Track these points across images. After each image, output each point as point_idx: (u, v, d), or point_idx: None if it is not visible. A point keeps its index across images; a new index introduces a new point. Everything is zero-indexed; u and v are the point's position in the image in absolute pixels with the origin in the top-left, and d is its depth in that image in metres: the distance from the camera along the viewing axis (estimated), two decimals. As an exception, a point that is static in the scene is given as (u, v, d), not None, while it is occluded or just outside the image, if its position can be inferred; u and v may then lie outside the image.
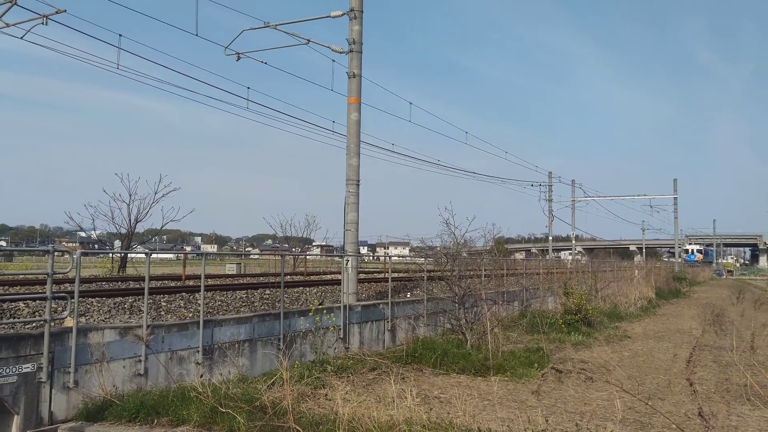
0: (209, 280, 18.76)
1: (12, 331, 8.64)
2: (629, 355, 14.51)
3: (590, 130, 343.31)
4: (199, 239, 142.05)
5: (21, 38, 15.51)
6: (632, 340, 17.24)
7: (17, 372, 7.67)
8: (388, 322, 14.86)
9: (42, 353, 7.89)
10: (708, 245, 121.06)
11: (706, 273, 77.57)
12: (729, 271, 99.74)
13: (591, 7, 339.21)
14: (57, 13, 14.92)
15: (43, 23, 15.04)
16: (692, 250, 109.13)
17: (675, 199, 62.59)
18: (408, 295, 17.53)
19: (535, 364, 12.22)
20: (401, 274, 20.24)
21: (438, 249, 18.01)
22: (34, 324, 9.02)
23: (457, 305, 14.66)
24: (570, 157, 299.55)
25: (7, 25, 15.72)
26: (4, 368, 7.53)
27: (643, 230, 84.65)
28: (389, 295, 15.15)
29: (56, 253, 8.37)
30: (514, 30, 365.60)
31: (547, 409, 9.01)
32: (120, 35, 15.16)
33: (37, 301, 10.50)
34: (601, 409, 9.04)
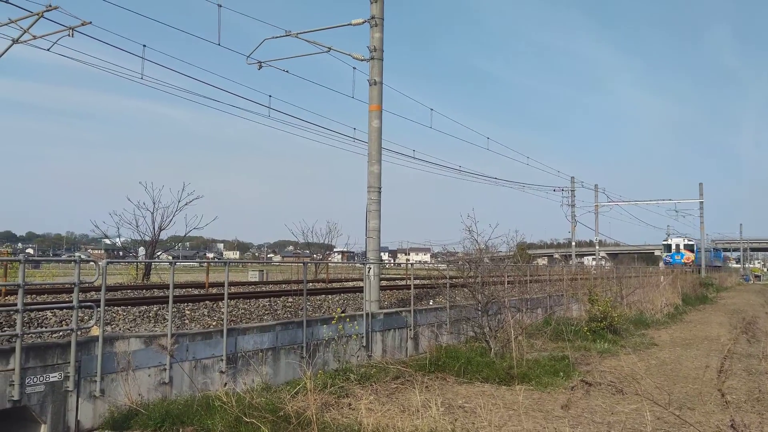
0: (232, 287, 18.85)
1: (39, 340, 8.73)
2: (657, 364, 14.27)
3: (613, 135, 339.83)
4: (221, 246, 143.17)
5: (48, 50, 15.79)
6: (659, 348, 16.96)
7: (44, 381, 7.74)
8: (410, 329, 14.79)
9: (69, 362, 7.96)
10: (715, 241, 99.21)
11: (734, 278, 76.25)
12: (757, 276, 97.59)
13: (614, 13, 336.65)
14: (83, 24, 15.15)
15: (69, 35, 15.27)
16: (677, 246, 72.24)
17: (701, 203, 61.61)
18: (430, 303, 17.43)
19: (561, 373, 12.05)
20: (423, 281, 20.16)
21: (460, 255, 17.91)
22: (60, 333, 9.11)
23: (480, 313, 14.54)
24: (593, 162, 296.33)
25: (34, 38, 16.01)
26: (32, 377, 7.60)
27: (668, 235, 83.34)
28: (411, 303, 15.08)
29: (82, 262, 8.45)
30: (536, 37, 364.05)
31: (574, 419, 8.88)
32: (144, 46, 15.32)
33: (64, 310, 10.62)
34: (629, 420, 8.88)
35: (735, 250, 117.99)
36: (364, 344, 13.19)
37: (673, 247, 71.53)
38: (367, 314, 13.45)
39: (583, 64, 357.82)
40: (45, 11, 15.17)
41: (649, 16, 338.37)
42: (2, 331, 8.95)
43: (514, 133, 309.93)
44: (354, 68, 16.36)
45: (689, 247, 70.61)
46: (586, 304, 21.12)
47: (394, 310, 14.87)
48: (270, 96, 18.32)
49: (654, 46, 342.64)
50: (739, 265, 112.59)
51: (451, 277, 16.99)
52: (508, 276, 19.93)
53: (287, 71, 17.33)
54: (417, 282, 17.26)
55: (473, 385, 11.35)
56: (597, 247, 60.10)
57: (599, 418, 9.03)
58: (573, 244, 55.74)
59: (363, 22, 15.15)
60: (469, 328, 15.43)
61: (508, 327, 13.67)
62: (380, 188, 14.98)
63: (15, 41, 16.01)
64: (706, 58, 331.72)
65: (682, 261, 67.08)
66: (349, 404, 9.05)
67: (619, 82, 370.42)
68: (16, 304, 7.68)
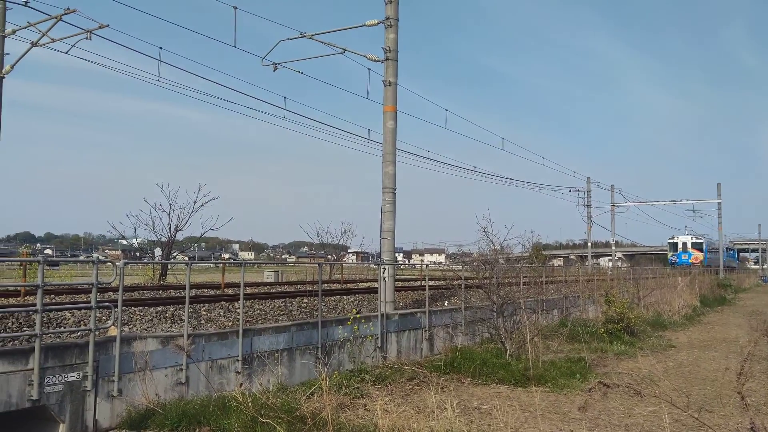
0: (247, 288, 18.92)
1: (58, 340, 8.82)
2: (674, 366, 14.13)
3: (630, 134, 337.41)
4: (236, 246, 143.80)
5: (66, 53, 15.98)
6: (677, 349, 16.80)
7: (63, 381, 7.81)
8: (425, 330, 14.76)
9: (87, 362, 8.03)
10: (733, 242, 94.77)
11: (752, 279, 75.30)
12: None
13: (629, 12, 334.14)
14: (100, 27, 15.32)
15: (87, 38, 15.46)
16: (683, 245, 64.86)
17: (719, 203, 60.94)
18: (445, 304, 17.39)
19: (577, 375, 11.98)
20: (438, 282, 20.13)
21: (475, 256, 17.85)
22: (79, 333, 9.20)
23: (495, 314, 14.48)
24: (609, 162, 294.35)
25: (53, 41, 16.20)
26: (51, 377, 7.68)
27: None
28: (426, 304, 15.05)
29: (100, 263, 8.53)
30: (551, 36, 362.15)
31: (591, 422, 8.81)
32: (161, 48, 15.47)
33: (82, 310, 10.72)
34: (647, 423, 8.80)
35: (753, 250, 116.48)
36: (379, 345, 13.19)
37: (680, 245, 63.98)
38: (382, 315, 13.45)
39: (598, 63, 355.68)
40: (63, 14, 15.36)
41: (665, 14, 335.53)
42: (22, 331, 9.05)
43: (529, 133, 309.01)
44: (368, 69, 16.38)
45: (697, 246, 63.26)
46: (603, 306, 20.97)
47: (409, 311, 14.86)
48: (285, 98, 18.33)
49: (670, 45, 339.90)
50: (757, 266, 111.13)
51: (466, 278, 16.94)
52: (523, 277, 19.83)
53: (302, 72, 17.40)
54: (432, 283, 17.23)
55: (489, 386, 11.30)
56: (613, 248, 59.61)
57: (617, 420, 8.96)
58: (589, 245, 55.34)
59: (377, 23, 15.17)
60: (485, 330, 15.39)
61: (524, 328, 13.60)
62: (395, 189, 14.98)
63: (34, 44, 16.22)
64: (723, 57, 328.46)
65: (690, 261, 59.99)
66: (365, 405, 9.05)
67: (636, 81, 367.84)
68: (35, 305, 7.76)
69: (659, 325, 21.78)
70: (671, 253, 65.02)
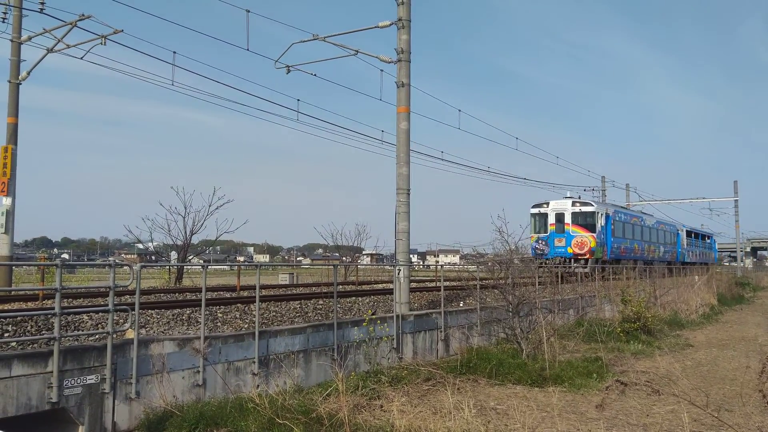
0: (263, 290, 18.97)
1: (76, 343, 8.90)
2: (692, 365, 14.00)
3: (646, 133, 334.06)
4: (251, 249, 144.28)
5: (81, 58, 16.14)
6: (695, 348, 16.64)
7: (82, 383, 7.89)
8: (441, 331, 14.73)
9: (105, 364, 8.10)
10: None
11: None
12: None
13: (645, 9, 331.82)
14: (114, 33, 15.47)
15: (101, 43, 15.61)
16: (556, 216, 31.06)
17: (735, 201, 60.31)
18: (461, 304, 17.35)
19: (594, 375, 11.91)
20: (453, 283, 20.08)
21: (490, 256, 17.78)
22: (97, 336, 9.28)
23: (511, 314, 14.42)
24: (624, 161, 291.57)
25: (68, 46, 16.37)
26: (70, 379, 7.75)
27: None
28: (442, 305, 15.02)
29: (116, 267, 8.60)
30: (565, 35, 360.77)
31: (609, 421, 8.74)
32: (174, 52, 15.59)
33: (100, 313, 10.81)
34: (666, 422, 8.72)
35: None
36: (395, 346, 13.18)
37: (550, 219, 31.25)
38: (398, 316, 13.44)
39: (613, 61, 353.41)
40: (78, 20, 15.52)
41: (681, 11, 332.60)
42: (41, 334, 9.14)
43: (543, 132, 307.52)
44: (381, 70, 16.40)
45: (583, 220, 30.86)
46: (619, 305, 20.81)
47: (424, 311, 14.83)
48: (298, 100, 18.43)
49: (687, 42, 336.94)
50: None
51: (481, 279, 16.89)
52: (539, 277, 19.72)
53: (315, 75, 17.44)
54: (447, 284, 17.19)
55: (505, 386, 11.26)
56: (629, 247, 58.67)
57: (635, 419, 8.89)
58: (604, 244, 54.29)
59: (390, 25, 15.17)
60: (500, 330, 15.32)
61: (540, 328, 13.54)
62: (409, 190, 14.97)
63: (50, 50, 16.39)
64: (741, 53, 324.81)
65: (569, 250, 30.30)
66: (381, 406, 9.04)
67: (651, 79, 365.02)
68: (54, 308, 7.84)
69: (676, 324, 21.59)
70: (535, 235, 31.42)
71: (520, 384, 11.37)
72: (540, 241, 30.92)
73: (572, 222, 30.57)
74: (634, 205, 52.21)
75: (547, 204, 31.52)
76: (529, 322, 14.12)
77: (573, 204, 31.08)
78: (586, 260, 29.56)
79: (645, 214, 41.64)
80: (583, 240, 30.25)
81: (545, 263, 26.20)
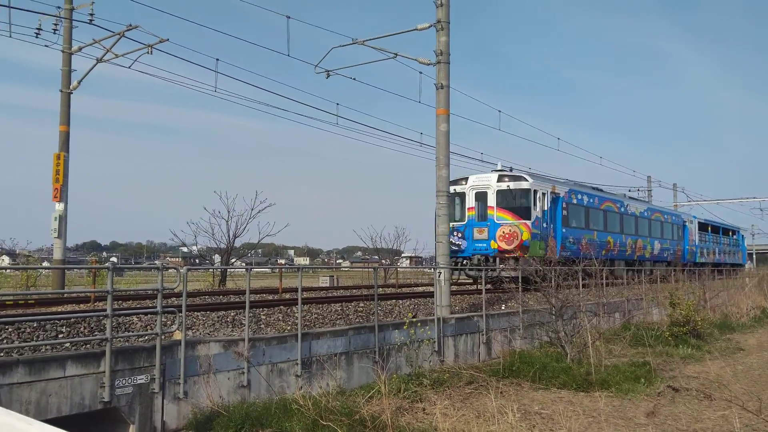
0: (304, 293, 19.14)
1: (127, 344, 9.14)
2: (744, 369, 13.59)
3: (693, 131, 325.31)
4: (292, 252, 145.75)
5: (129, 67, 16.59)
6: (746, 353, 16.15)
7: (132, 383, 8.09)
8: (482, 334, 14.63)
9: (154, 365, 8.30)
10: None
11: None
12: None
13: (691, 6, 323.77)
14: (160, 42, 15.85)
15: (148, 52, 16.02)
16: (477, 196, 21.39)
17: (789, 200, 57.91)
18: (503, 307, 17.20)
19: (642, 379, 11.65)
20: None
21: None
22: (146, 337, 9.51)
23: (554, 317, 14.23)
24: (671, 160, 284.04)
25: (117, 56, 16.85)
26: (121, 379, 7.96)
27: (753, 235, 78.96)
28: (483, 307, 14.92)
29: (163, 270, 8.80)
30: (608, 33, 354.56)
31: (658, 427, 8.55)
32: (217, 60, 15.88)
33: (148, 315, 11.08)
34: (716, 427, 8.49)
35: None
36: (436, 349, 13.14)
37: (468, 200, 21.71)
38: (439, 319, 13.40)
39: (657, 59, 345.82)
40: (126, 30, 15.97)
41: (730, 7, 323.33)
42: (93, 335, 9.42)
43: (585, 132, 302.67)
44: (420, 73, 16.40)
45: (513, 201, 21.33)
46: (667, 309, 20.32)
47: (465, 314, 14.76)
48: (338, 104, 18.66)
49: (735, 34, 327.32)
50: None
51: (524, 280, 16.70)
52: (582, 279, 19.40)
53: (354, 79, 17.54)
54: (488, 287, 17.06)
55: (549, 391, 11.11)
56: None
57: (684, 425, 8.67)
58: (649, 245, 52.92)
59: (429, 27, 15.16)
60: (543, 333, 15.13)
61: (585, 332, 13.33)
62: (449, 192, 14.92)
63: (99, 60, 16.90)
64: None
65: (492, 245, 20.87)
66: (423, 409, 9.03)
67: (699, 76, 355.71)
68: (105, 310, 8.06)
69: (727, 327, 20.99)
70: (452, 223, 19.24)
71: (565, 388, 11.21)
72: (456, 233, 20.82)
73: (497, 204, 21.04)
74: (681, 206, 50.91)
75: (466, 180, 21.88)
76: (573, 326, 13.91)
77: (500, 179, 21.45)
78: (517, 259, 20.15)
79: (634, 199, 32.57)
80: (513, 230, 20.61)
81: (461, 263, 20.44)
